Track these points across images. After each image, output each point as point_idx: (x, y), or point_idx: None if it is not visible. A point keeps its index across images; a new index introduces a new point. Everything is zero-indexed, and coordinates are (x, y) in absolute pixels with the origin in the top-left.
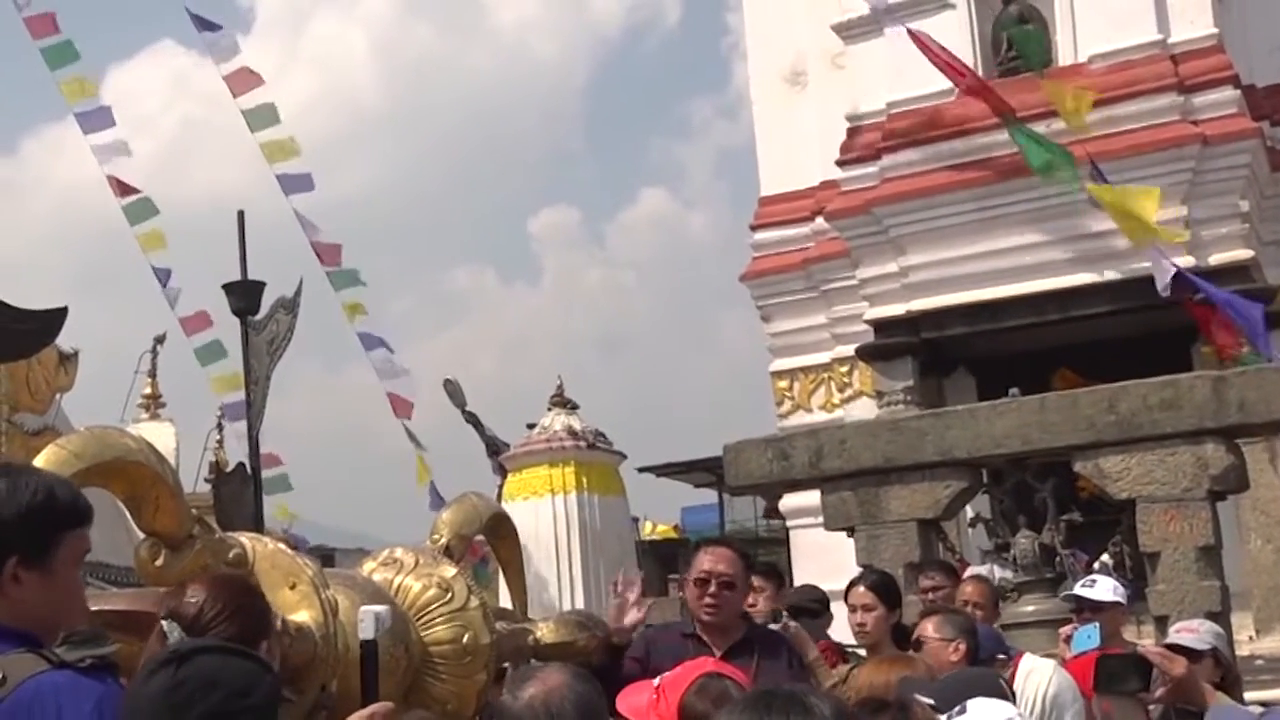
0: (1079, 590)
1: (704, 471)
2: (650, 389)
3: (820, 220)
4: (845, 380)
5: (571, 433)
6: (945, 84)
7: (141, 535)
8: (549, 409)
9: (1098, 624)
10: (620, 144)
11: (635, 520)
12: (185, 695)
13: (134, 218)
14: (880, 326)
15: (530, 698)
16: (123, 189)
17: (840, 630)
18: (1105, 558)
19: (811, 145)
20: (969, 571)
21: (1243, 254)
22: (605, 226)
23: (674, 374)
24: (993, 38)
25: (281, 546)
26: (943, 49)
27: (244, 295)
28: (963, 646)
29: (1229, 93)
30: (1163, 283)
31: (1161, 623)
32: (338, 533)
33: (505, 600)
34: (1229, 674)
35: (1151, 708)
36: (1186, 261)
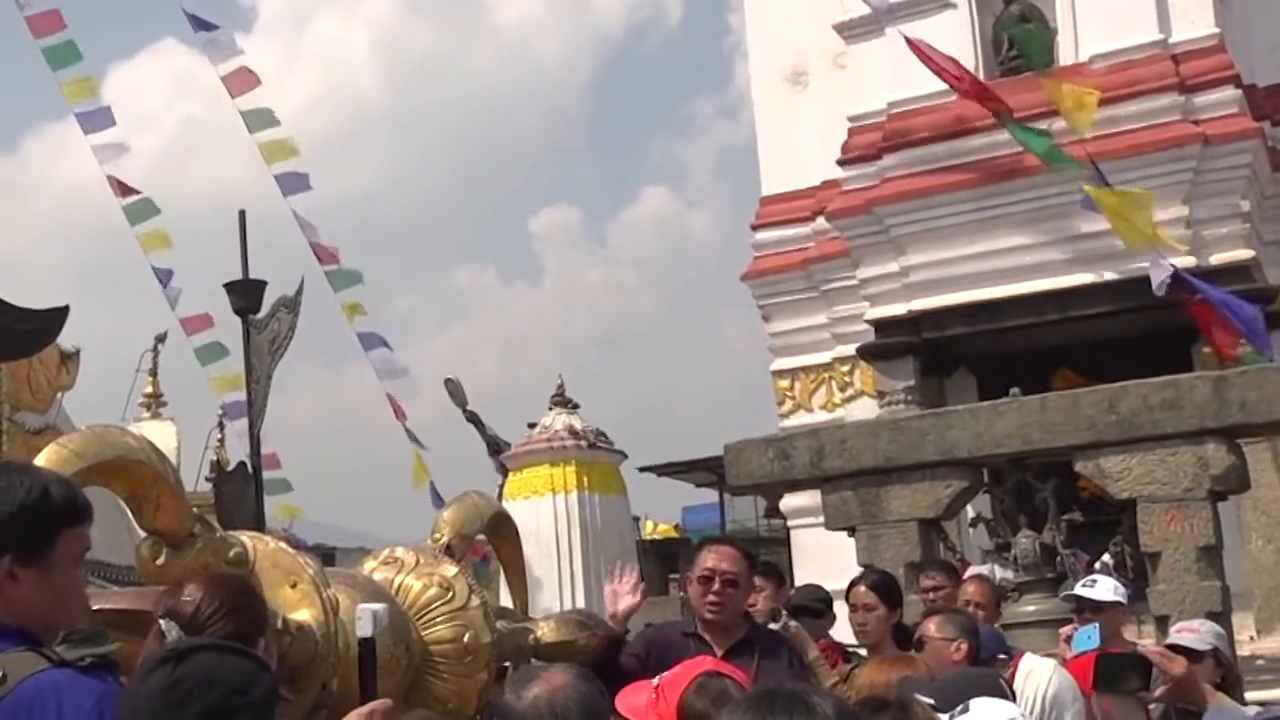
0: (1079, 590)
1: (705, 471)
2: (651, 388)
3: (821, 220)
4: (846, 380)
5: (572, 432)
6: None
7: (142, 534)
8: (550, 408)
9: (1098, 624)
10: (621, 143)
11: (636, 520)
12: (183, 693)
13: (134, 218)
14: (881, 326)
15: (535, 698)
16: (123, 189)
17: (841, 630)
18: (1106, 558)
19: (812, 145)
20: (970, 571)
21: (1243, 254)
22: (606, 226)
23: (675, 373)
24: (994, 37)
25: (282, 545)
26: (941, 55)
27: (245, 294)
28: (965, 646)
29: (1230, 93)
30: (1159, 282)
31: (1162, 623)
32: (338, 531)
33: (506, 599)
34: (1230, 674)
35: (1151, 707)
36: (1187, 261)
